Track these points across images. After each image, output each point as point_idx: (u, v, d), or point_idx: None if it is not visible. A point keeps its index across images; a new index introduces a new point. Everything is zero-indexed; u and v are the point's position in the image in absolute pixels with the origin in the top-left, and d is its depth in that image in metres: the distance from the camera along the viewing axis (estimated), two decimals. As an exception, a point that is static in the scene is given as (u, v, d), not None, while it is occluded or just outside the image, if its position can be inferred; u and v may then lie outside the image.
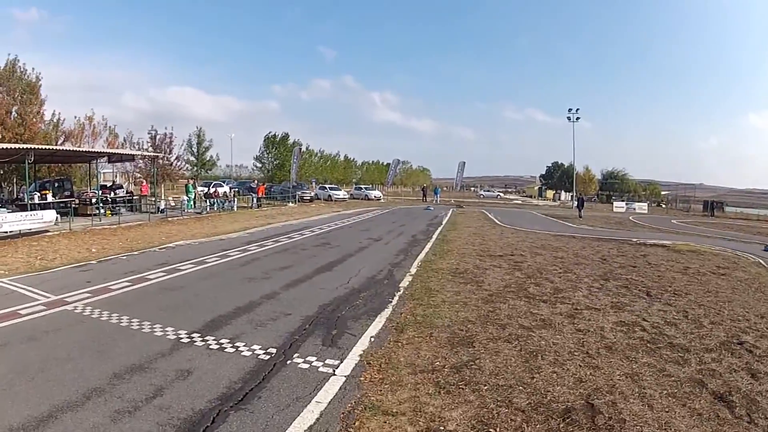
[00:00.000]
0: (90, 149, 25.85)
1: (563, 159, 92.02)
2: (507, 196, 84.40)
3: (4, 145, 18.65)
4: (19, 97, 24.70)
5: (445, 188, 78.91)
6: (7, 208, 18.51)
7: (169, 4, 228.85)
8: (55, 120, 27.72)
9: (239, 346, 6.16)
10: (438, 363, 5.71)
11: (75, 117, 30.19)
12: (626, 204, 52.82)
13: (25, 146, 18.51)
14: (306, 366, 5.58)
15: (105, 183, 30.37)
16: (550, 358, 5.92)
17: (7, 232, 15.42)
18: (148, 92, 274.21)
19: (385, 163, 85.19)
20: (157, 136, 33.44)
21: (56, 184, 23.88)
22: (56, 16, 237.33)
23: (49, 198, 21.03)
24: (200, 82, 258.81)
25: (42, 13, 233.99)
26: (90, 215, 21.46)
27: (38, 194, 20.75)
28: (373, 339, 6.59)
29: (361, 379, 5.22)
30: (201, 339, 6.41)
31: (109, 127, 32.14)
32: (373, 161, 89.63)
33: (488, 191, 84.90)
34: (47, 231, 16.81)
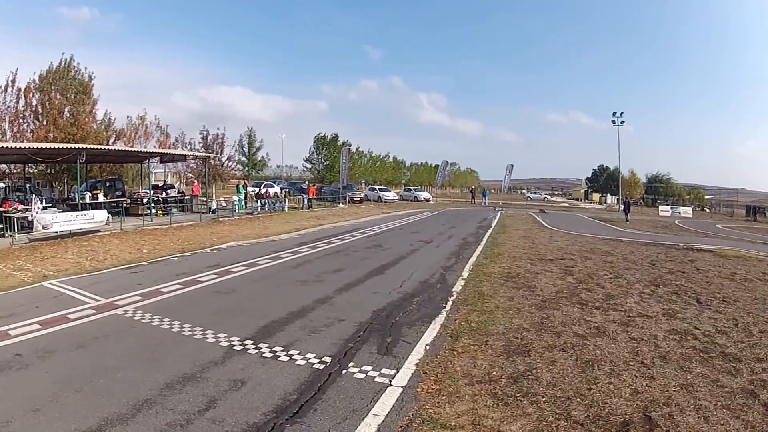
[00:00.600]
0: (142, 149, 26.24)
1: (608, 162, 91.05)
2: (554, 199, 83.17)
3: (56, 145, 19.20)
4: (72, 97, 25.24)
5: (492, 190, 77.78)
6: (58, 208, 19.02)
7: (220, 3, 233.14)
8: (106, 119, 28.28)
9: (293, 354, 6.10)
10: (495, 373, 5.61)
11: (128, 117, 30.95)
12: (671, 208, 53.50)
13: (77, 146, 18.90)
14: (362, 376, 5.51)
15: (156, 183, 31.12)
16: (607, 368, 5.77)
17: (57, 232, 15.62)
18: (198, 91, 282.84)
19: (433, 165, 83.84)
20: (209, 137, 33.99)
21: (108, 184, 24.44)
22: (108, 14, 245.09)
23: (101, 198, 21.47)
24: (250, 82, 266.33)
25: (93, 11, 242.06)
26: (141, 215, 21.91)
27: (89, 194, 21.23)
28: (428, 347, 6.50)
29: (418, 390, 5.14)
30: (254, 346, 6.37)
31: (161, 127, 32.95)
32: (421, 162, 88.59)
33: (535, 194, 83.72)
34: (98, 231, 17.08)
